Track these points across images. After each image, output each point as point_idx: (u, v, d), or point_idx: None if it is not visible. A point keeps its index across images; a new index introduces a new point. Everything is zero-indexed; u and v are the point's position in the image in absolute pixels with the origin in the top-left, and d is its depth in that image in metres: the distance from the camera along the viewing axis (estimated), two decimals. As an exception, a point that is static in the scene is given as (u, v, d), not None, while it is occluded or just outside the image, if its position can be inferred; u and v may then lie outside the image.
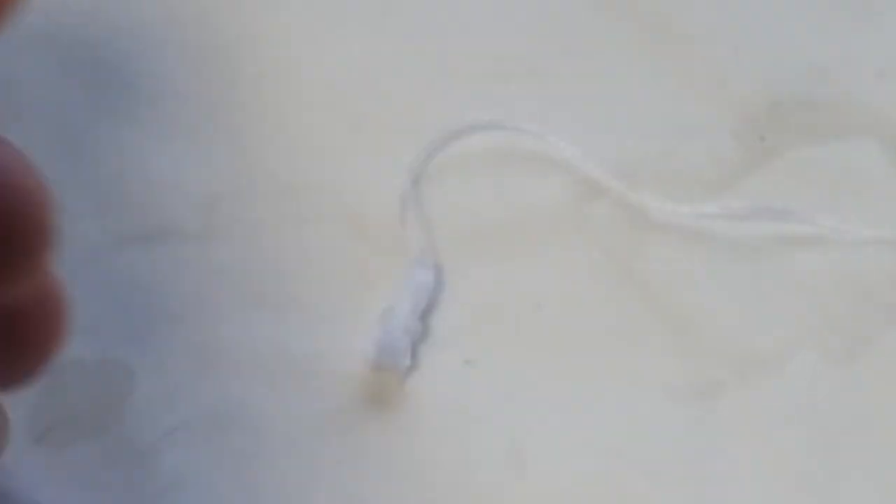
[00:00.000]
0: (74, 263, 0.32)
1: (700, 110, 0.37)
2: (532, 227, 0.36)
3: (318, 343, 0.33)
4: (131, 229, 0.35)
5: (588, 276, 0.35)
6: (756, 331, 0.35)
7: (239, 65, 0.38)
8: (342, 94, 0.38)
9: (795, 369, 0.34)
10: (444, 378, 0.33)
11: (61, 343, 0.22)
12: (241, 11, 0.39)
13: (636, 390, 0.34)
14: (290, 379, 0.33)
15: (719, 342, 0.34)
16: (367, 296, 0.34)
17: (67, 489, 0.31)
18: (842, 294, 0.35)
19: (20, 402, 0.31)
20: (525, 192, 0.36)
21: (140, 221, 0.35)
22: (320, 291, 0.34)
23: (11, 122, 0.35)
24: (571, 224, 0.36)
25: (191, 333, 0.33)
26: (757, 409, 0.34)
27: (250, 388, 0.33)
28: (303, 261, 0.35)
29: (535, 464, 0.33)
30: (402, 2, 0.39)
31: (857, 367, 0.34)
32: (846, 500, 0.33)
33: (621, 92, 0.38)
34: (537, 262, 0.36)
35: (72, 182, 0.35)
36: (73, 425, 0.32)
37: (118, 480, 0.31)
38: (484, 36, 0.39)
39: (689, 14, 0.39)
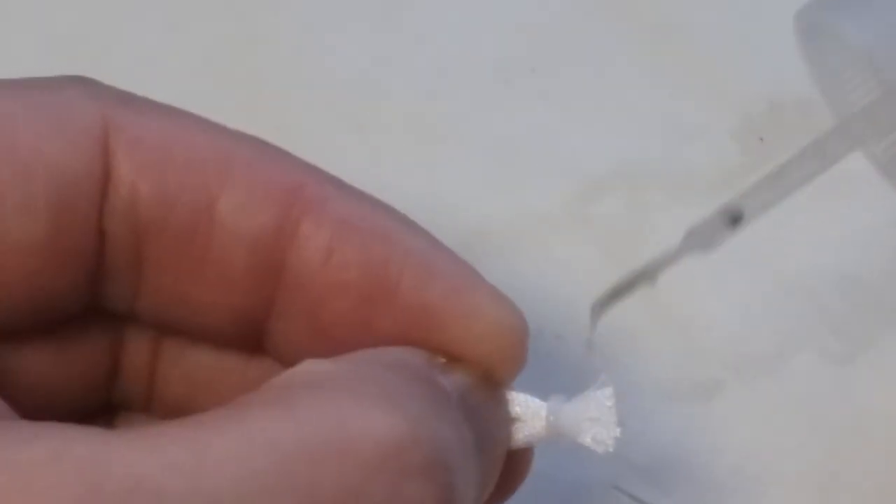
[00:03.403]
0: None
1: (700, 111, 0.37)
2: (532, 227, 0.36)
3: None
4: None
5: (588, 275, 0.35)
6: (756, 331, 0.35)
7: (239, 65, 0.38)
8: (342, 94, 0.38)
9: (795, 370, 0.34)
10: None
11: (522, 481, 0.26)
12: (241, 11, 0.39)
13: (636, 390, 0.34)
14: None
15: (719, 342, 0.34)
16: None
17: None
18: (842, 294, 0.35)
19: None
20: (525, 191, 0.36)
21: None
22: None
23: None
24: (572, 224, 0.36)
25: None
26: (757, 409, 0.34)
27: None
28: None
29: (536, 465, 0.33)
30: (402, 2, 0.39)
31: (857, 367, 0.34)
32: (846, 499, 0.33)
33: (621, 92, 0.38)
34: (537, 263, 0.36)
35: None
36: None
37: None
38: (484, 36, 0.39)
39: (689, 14, 0.39)
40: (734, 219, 0.28)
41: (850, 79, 0.34)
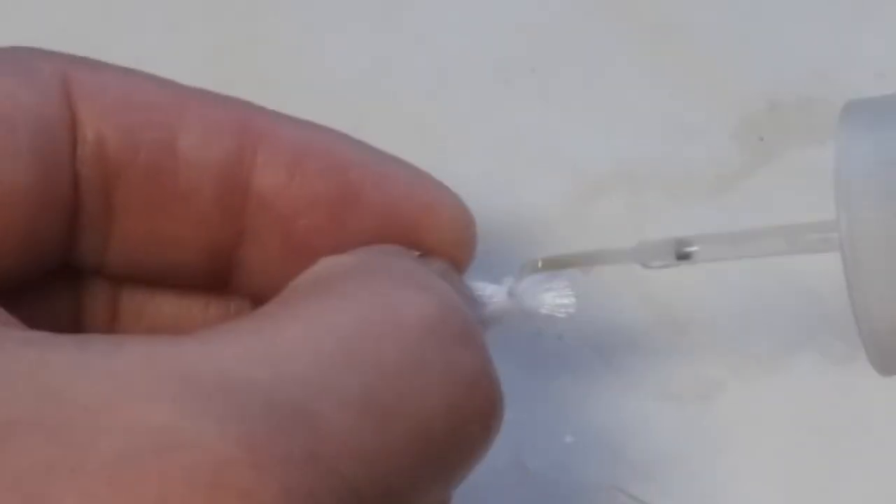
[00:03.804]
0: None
1: (700, 111, 0.37)
2: (532, 227, 0.36)
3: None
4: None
5: (588, 276, 0.35)
6: (756, 331, 0.35)
7: (239, 65, 0.38)
8: (342, 94, 0.38)
9: (795, 370, 0.34)
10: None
11: None
12: (242, 11, 0.39)
13: (636, 390, 0.34)
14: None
15: (719, 342, 0.34)
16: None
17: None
18: (841, 294, 0.35)
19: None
20: (525, 192, 0.36)
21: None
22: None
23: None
24: (571, 224, 0.36)
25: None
26: (757, 409, 0.34)
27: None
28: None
29: (536, 465, 0.33)
30: (402, 2, 0.39)
31: (857, 367, 0.34)
32: (846, 500, 0.33)
33: (621, 92, 0.38)
34: (537, 262, 0.36)
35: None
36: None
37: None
38: (484, 36, 0.39)
39: (689, 15, 0.39)
40: (681, 255, 0.29)
41: None
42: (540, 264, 0.29)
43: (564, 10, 0.39)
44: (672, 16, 0.39)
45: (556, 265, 0.29)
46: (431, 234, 0.27)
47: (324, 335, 0.22)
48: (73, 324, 0.27)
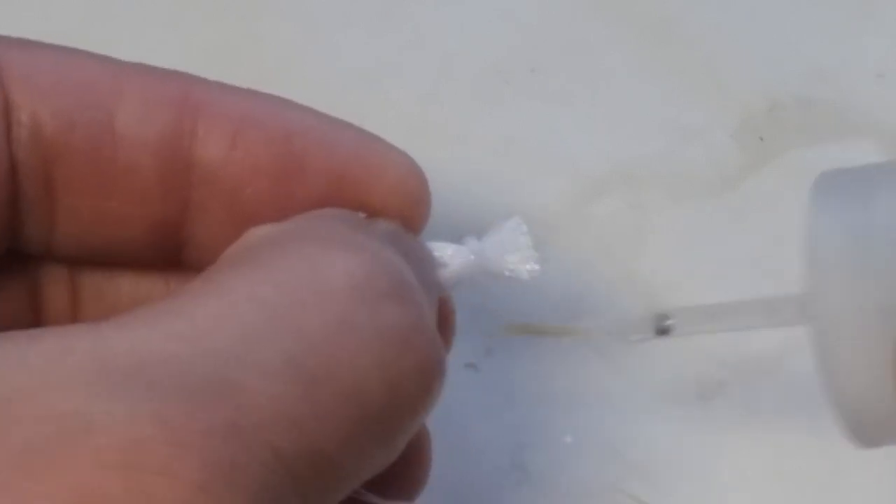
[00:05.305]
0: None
1: (700, 111, 0.37)
2: (531, 227, 0.36)
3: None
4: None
5: (588, 275, 0.35)
6: (756, 331, 0.35)
7: (239, 65, 0.38)
8: (342, 94, 0.38)
9: (795, 370, 0.34)
10: (446, 381, 0.33)
11: (425, 482, 0.27)
12: (243, 11, 0.39)
13: (636, 390, 0.34)
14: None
15: (719, 342, 0.34)
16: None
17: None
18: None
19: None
20: (525, 191, 0.36)
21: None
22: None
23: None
24: (571, 224, 0.36)
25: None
26: (757, 409, 0.34)
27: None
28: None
29: (536, 466, 0.33)
30: (402, 2, 0.39)
31: (857, 367, 0.34)
32: (846, 500, 0.33)
33: (621, 92, 0.38)
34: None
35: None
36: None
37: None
38: (484, 36, 0.39)
39: (688, 15, 0.39)
40: (660, 329, 0.30)
41: None
42: (506, 329, 0.29)
43: (564, 11, 0.39)
44: (672, 16, 0.39)
45: (528, 332, 0.29)
46: (379, 195, 0.27)
47: (245, 306, 0.22)
48: (32, 310, 0.27)
